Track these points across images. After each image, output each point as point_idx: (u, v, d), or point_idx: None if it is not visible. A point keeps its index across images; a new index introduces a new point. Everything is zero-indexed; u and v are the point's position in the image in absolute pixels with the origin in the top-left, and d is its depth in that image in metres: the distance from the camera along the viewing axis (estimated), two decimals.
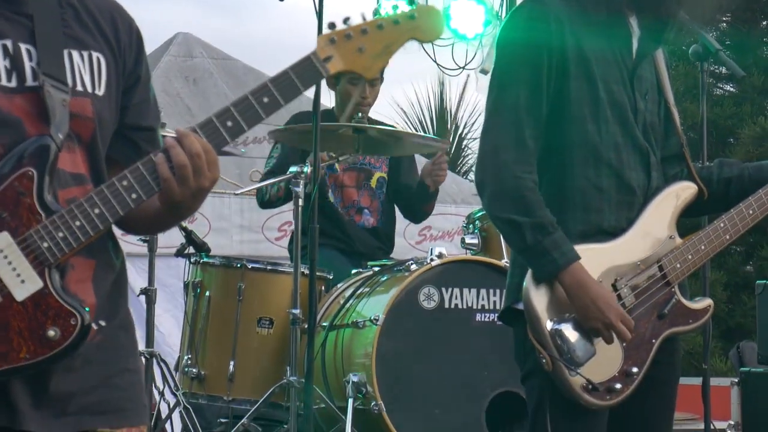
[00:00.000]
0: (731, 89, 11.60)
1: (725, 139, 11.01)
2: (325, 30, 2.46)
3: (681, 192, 3.47)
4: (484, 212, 5.51)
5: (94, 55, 2.44)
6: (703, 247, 3.45)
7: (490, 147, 3.27)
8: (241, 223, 9.14)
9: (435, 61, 8.13)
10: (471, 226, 5.46)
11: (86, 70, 2.42)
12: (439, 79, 14.30)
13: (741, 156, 10.45)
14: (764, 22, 11.78)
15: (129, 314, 2.49)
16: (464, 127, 14.82)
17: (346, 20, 2.46)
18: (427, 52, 8.13)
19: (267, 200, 5.89)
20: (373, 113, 5.97)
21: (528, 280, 3.26)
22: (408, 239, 9.18)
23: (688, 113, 11.01)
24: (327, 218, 5.79)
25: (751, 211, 3.49)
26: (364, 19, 2.48)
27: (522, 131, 3.25)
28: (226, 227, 9.15)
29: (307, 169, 4.99)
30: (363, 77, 2.55)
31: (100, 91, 2.42)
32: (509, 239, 3.33)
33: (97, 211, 2.30)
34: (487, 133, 3.31)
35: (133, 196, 2.32)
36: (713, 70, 11.82)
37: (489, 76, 3.46)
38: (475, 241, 5.40)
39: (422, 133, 5.53)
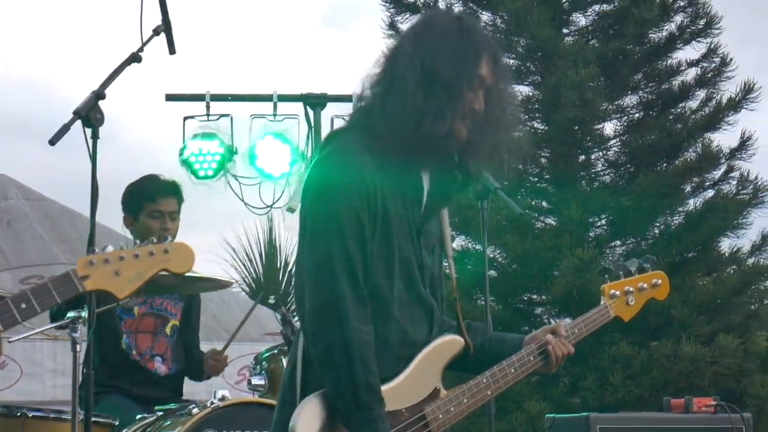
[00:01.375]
0: (552, 222, 11.86)
1: (546, 271, 11.21)
2: (88, 254, 2.88)
3: (448, 345, 3.55)
4: (271, 352, 5.48)
5: None
6: (465, 401, 3.52)
7: (330, 298, 3.25)
8: (54, 368, 8.93)
9: (242, 200, 8.17)
10: (258, 366, 5.41)
11: None
12: (268, 217, 14.38)
13: (562, 287, 10.66)
14: (581, 157, 12.13)
15: None
16: (294, 263, 14.88)
17: (104, 248, 2.86)
18: (234, 192, 8.16)
19: None
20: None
21: (294, 421, 3.24)
22: (227, 379, 9.06)
23: (509, 246, 11.23)
24: (119, 365, 5.71)
25: (512, 370, 3.62)
26: (122, 248, 2.88)
27: (358, 283, 3.26)
28: (39, 372, 8.94)
29: (84, 314, 4.87)
30: (115, 296, 2.89)
31: None
32: (340, 393, 3.25)
33: None
34: (323, 282, 3.27)
35: None
36: (535, 204, 12.13)
37: (297, 214, 3.44)
38: (262, 382, 5.35)
39: (203, 274, 5.48)
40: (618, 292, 3.98)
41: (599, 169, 12.25)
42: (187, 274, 5.27)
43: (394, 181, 3.36)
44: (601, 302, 3.96)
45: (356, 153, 3.35)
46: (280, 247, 15.26)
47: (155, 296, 5.76)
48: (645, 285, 4.05)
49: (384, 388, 3.31)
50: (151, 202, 5.72)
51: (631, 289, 4.00)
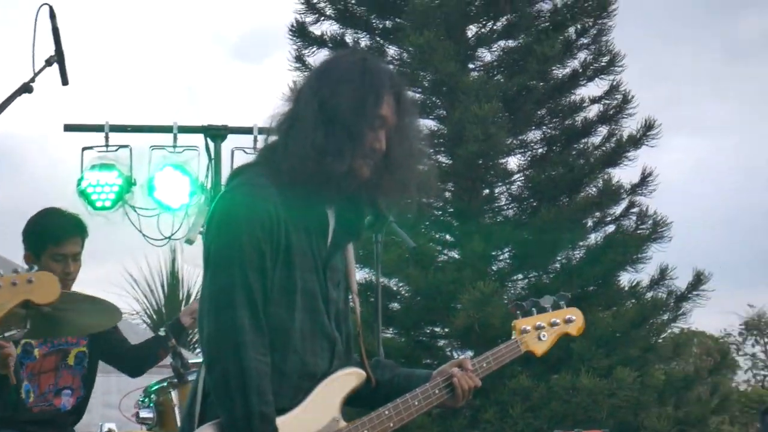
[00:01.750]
0: (455, 255, 11.94)
1: (448, 304, 11.26)
2: None
3: (348, 378, 3.57)
4: (160, 385, 5.44)
5: None
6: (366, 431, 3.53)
7: (228, 326, 3.26)
8: None
9: (140, 232, 8.12)
10: (147, 399, 5.36)
11: None
12: (171, 248, 14.33)
13: (463, 320, 10.72)
14: (485, 191, 12.24)
15: None
16: (197, 294, 14.83)
17: None
18: (132, 223, 8.11)
19: None
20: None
21: None
22: (124, 411, 8.93)
23: (412, 279, 11.29)
24: (17, 411, 5.61)
25: (416, 402, 3.62)
26: None
27: (257, 313, 3.28)
28: None
29: None
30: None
31: None
32: (234, 422, 3.27)
33: None
34: (222, 310, 3.28)
35: None
36: (438, 238, 12.21)
37: (196, 246, 3.45)
38: (151, 415, 5.30)
39: (93, 295, 5.44)
40: (529, 327, 3.98)
41: (503, 203, 12.38)
42: (80, 300, 5.27)
43: (298, 215, 3.40)
44: (512, 337, 3.96)
45: (261, 186, 3.39)
46: (182, 278, 15.19)
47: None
48: (558, 321, 4.05)
49: (280, 419, 3.32)
50: (55, 245, 5.56)
51: (543, 324, 4.01)
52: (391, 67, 12.21)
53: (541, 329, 4.00)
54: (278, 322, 3.35)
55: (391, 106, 3.46)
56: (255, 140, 8.21)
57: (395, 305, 11.85)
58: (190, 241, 7.59)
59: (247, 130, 8.34)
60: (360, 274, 11.39)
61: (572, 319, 4.09)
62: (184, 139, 8.30)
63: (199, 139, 8.25)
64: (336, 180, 3.38)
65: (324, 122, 3.38)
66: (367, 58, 3.55)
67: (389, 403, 3.57)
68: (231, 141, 8.23)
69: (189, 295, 14.99)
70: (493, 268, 11.93)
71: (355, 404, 3.58)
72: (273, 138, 3.51)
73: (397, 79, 3.55)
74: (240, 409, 3.23)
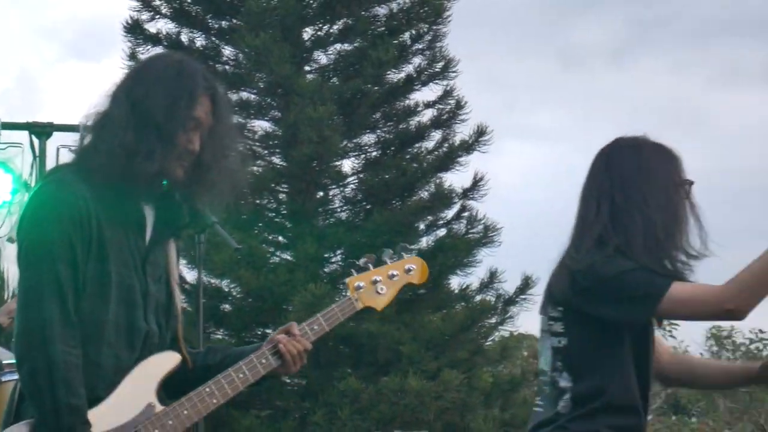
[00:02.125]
0: (287, 257, 11.95)
1: (280, 306, 11.27)
2: None
3: (162, 361, 3.52)
4: None
5: None
6: (186, 412, 3.49)
7: (36, 321, 3.23)
8: None
9: None
10: None
11: None
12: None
13: (296, 322, 10.70)
14: (320, 193, 12.28)
15: None
16: None
17: None
18: None
19: None
20: None
21: None
22: None
23: (243, 280, 11.26)
24: None
25: (240, 375, 3.58)
26: None
27: (67, 307, 3.26)
28: None
29: None
30: None
31: None
32: (43, 417, 3.24)
33: None
34: (30, 306, 3.26)
35: None
36: (271, 239, 12.21)
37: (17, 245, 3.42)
38: None
39: None
40: (363, 284, 3.85)
41: (336, 205, 12.43)
42: None
43: (112, 211, 3.39)
44: (347, 295, 3.85)
45: (71, 183, 3.38)
46: (7, 278, 14.84)
47: None
48: (396, 272, 3.93)
49: (92, 411, 3.30)
50: None
51: (379, 278, 3.88)
52: (227, 67, 12.20)
53: (377, 283, 3.87)
54: (92, 315, 3.34)
55: (206, 108, 3.47)
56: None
57: (226, 306, 11.80)
58: (12, 240, 7.45)
59: (74, 128, 8.20)
60: (191, 275, 11.30)
61: (412, 269, 3.98)
62: (7, 135, 8.16)
63: (23, 136, 8.12)
64: (146, 180, 3.39)
65: (136, 123, 3.38)
66: (183, 60, 3.58)
67: (210, 380, 3.54)
68: (57, 139, 8.13)
69: (15, 295, 14.62)
70: (326, 270, 11.97)
71: (189, 392, 3.53)
72: (87, 137, 3.50)
73: (213, 80, 3.56)
74: (48, 403, 3.21)
